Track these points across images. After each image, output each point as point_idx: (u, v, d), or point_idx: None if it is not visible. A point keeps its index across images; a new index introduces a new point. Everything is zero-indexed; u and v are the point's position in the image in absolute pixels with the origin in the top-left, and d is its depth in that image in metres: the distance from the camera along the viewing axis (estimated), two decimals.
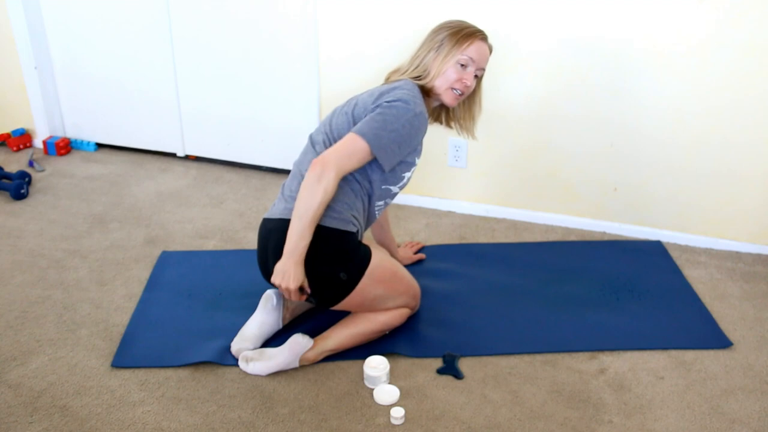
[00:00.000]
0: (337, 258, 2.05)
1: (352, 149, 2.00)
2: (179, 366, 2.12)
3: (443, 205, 3.06)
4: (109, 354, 2.17)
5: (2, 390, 2.03)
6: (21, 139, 3.58)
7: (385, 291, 2.14)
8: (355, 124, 2.09)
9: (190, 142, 3.46)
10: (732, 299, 2.47)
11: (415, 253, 2.69)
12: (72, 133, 3.66)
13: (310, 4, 2.92)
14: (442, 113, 2.35)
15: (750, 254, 2.73)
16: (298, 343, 2.09)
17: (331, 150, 2.01)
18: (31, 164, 3.40)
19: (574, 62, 2.67)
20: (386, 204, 2.23)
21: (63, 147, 3.53)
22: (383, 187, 2.14)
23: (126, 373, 2.09)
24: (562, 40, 2.65)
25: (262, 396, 2.01)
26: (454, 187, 3.02)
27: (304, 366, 2.12)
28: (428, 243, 2.80)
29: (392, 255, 2.55)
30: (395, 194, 2.21)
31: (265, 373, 2.07)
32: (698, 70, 2.55)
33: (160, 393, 2.02)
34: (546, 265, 2.64)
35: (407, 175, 2.18)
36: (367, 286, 2.08)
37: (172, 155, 3.54)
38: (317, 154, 2.12)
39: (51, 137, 3.56)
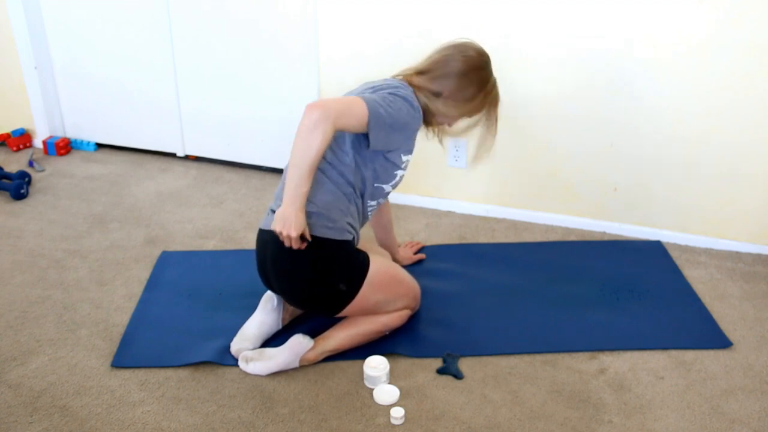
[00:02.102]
0: (335, 270, 2.04)
1: (351, 108, 1.94)
2: (179, 366, 2.11)
3: (443, 205, 3.06)
4: (109, 354, 2.17)
5: (2, 390, 2.02)
6: (21, 139, 3.58)
7: (385, 296, 2.14)
8: None
9: (190, 142, 3.46)
10: (732, 299, 2.47)
11: (415, 253, 2.69)
12: (72, 133, 3.65)
13: (310, 4, 2.92)
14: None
15: (750, 254, 2.73)
16: (299, 343, 2.09)
17: (331, 99, 1.95)
18: (31, 164, 3.40)
19: (575, 63, 2.67)
20: (379, 204, 2.22)
21: (63, 147, 3.53)
22: (376, 185, 2.13)
23: (126, 373, 2.09)
24: (562, 40, 2.64)
25: (262, 396, 2.01)
26: (454, 187, 3.02)
27: (304, 366, 2.12)
28: (428, 243, 2.80)
29: (393, 256, 2.55)
30: (387, 193, 2.21)
31: (265, 373, 2.07)
32: (698, 70, 2.55)
33: (160, 393, 2.02)
34: (546, 265, 2.64)
35: (399, 173, 2.17)
36: (367, 293, 2.08)
37: (172, 155, 3.54)
38: None
39: (51, 137, 3.56)
